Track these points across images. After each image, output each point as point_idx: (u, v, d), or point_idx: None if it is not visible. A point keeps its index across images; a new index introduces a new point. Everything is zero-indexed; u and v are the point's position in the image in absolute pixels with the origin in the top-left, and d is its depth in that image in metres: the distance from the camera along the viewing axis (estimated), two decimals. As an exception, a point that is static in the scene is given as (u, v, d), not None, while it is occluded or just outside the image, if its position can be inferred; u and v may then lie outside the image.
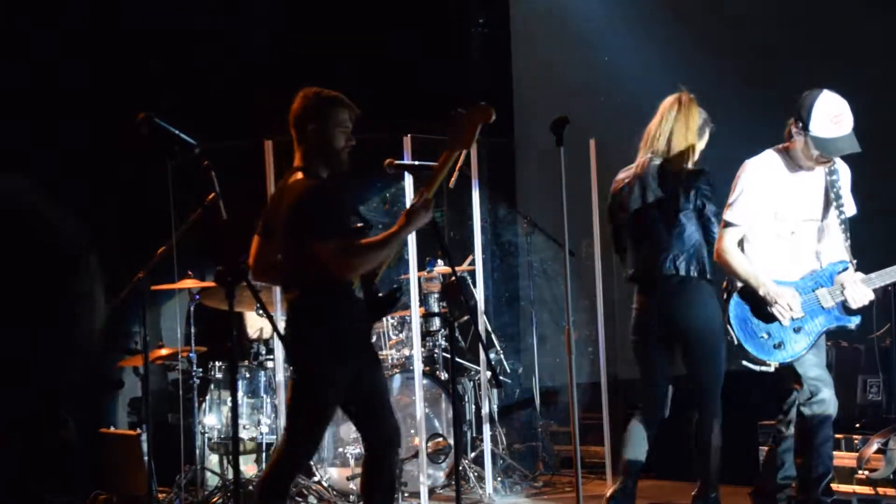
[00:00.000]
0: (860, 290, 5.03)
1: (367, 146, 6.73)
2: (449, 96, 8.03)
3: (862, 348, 5.87)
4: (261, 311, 6.24)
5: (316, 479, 6.71)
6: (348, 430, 6.73)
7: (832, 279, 5.12)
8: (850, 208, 5.18)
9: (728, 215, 5.14)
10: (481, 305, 7.16)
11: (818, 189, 5.17)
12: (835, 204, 5.13)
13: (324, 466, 6.75)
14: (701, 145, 5.35)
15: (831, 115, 4.93)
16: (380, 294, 4.69)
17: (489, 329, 7.59)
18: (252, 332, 7.13)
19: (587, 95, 8.31)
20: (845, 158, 5.16)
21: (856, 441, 5.84)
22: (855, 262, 5.12)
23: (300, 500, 6.61)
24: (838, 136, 4.94)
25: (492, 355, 7.50)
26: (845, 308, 5.10)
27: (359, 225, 4.64)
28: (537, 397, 7.79)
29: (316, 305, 4.53)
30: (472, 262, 7.29)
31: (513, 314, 8.35)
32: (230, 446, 6.38)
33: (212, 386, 6.80)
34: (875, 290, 6.16)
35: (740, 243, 5.18)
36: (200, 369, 6.58)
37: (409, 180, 6.46)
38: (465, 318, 7.10)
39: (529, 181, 8.62)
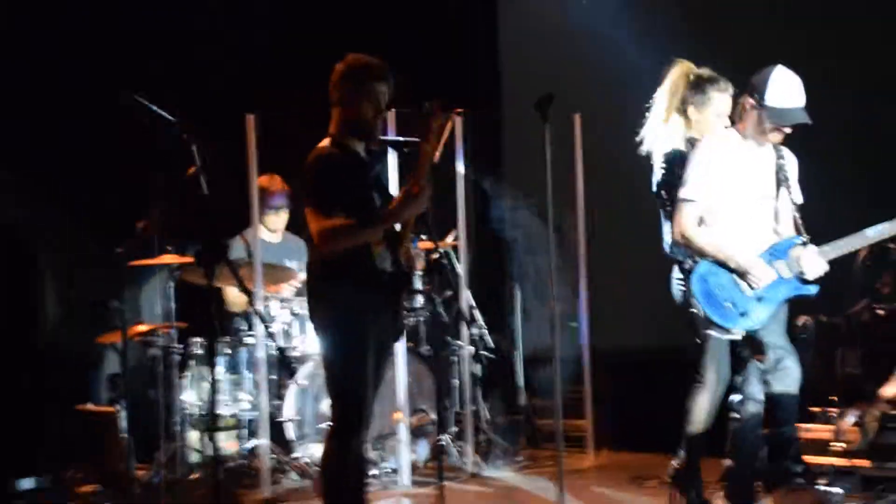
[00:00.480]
0: (815, 261, 5.16)
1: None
2: (435, 67, 8.03)
3: (839, 321, 5.89)
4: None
5: (296, 455, 6.72)
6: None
7: (787, 253, 5.24)
8: (798, 196, 5.32)
9: (684, 192, 5.24)
10: (465, 280, 7.17)
11: (770, 168, 5.32)
12: (785, 184, 5.28)
13: (304, 443, 6.76)
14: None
15: (787, 86, 5.13)
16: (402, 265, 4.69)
17: (472, 304, 7.60)
18: (235, 307, 7.13)
19: (574, 68, 8.30)
20: (792, 149, 5.33)
21: (832, 414, 5.87)
22: (808, 237, 5.25)
23: (280, 476, 6.62)
24: (793, 107, 5.13)
25: (474, 331, 7.51)
26: (802, 280, 5.22)
27: (372, 202, 4.64)
28: (521, 372, 7.81)
29: (330, 272, 4.56)
30: (456, 237, 7.29)
31: (497, 288, 8.35)
32: (210, 422, 6.41)
33: (192, 362, 6.80)
34: (855, 266, 6.22)
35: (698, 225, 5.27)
36: (181, 345, 6.58)
37: (392, 156, 6.44)
38: (449, 293, 7.10)
39: (515, 155, 8.62)
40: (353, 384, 4.56)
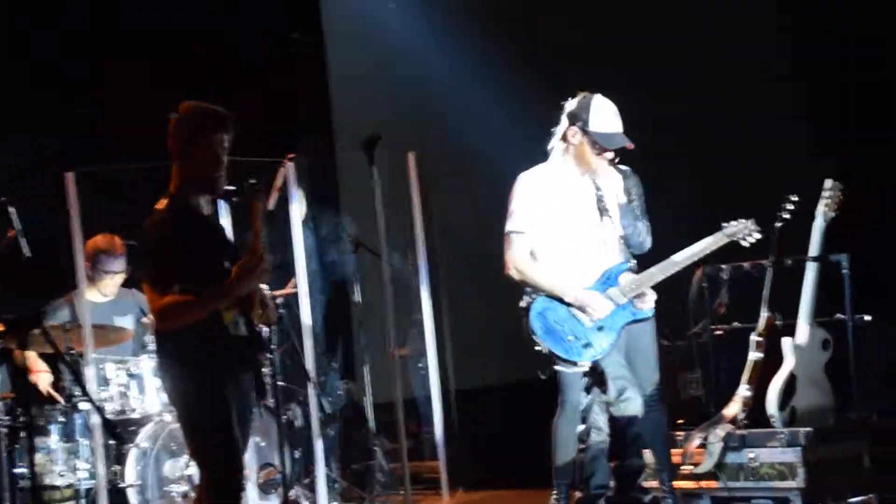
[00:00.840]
0: (642, 285, 5.25)
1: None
2: (265, 113, 7.91)
3: (681, 345, 5.95)
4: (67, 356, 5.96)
5: (141, 520, 6.47)
6: (173, 468, 6.51)
7: (617, 279, 5.29)
8: (635, 217, 5.39)
9: (510, 225, 5.26)
10: (307, 326, 7.03)
11: (591, 196, 5.38)
12: (604, 213, 5.36)
13: (148, 508, 6.51)
14: None
15: (607, 112, 5.26)
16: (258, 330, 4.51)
17: (321, 351, 7.47)
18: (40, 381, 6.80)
19: (408, 108, 8.28)
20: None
21: (678, 437, 5.92)
22: (634, 262, 5.33)
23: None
24: (615, 131, 5.24)
25: (321, 379, 7.37)
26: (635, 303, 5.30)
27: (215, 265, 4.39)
28: (371, 416, 7.69)
29: (181, 344, 4.31)
30: (295, 286, 7.15)
31: (342, 333, 8.23)
32: (43, 495, 6.11)
33: (21, 433, 6.47)
34: (692, 289, 6.32)
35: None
36: (8, 418, 6.25)
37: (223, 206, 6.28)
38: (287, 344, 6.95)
39: (353, 197, 8.53)
40: (222, 453, 4.33)
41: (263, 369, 5.75)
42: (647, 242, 5.45)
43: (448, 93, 8.24)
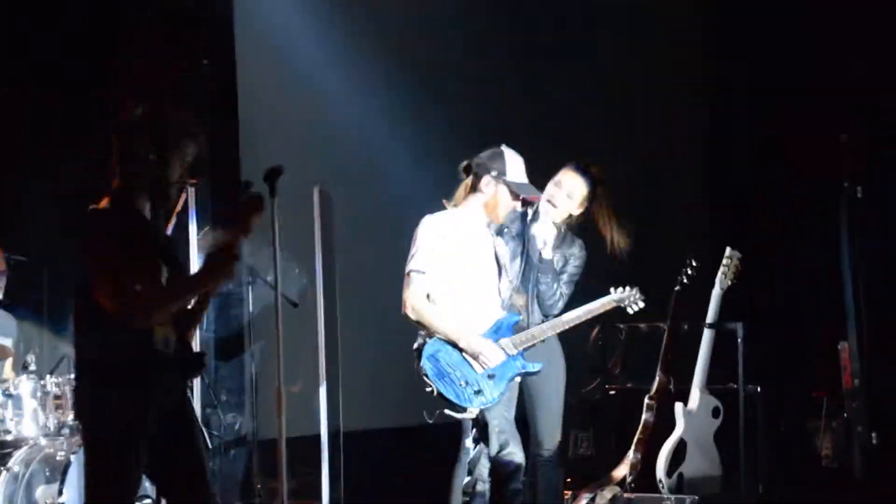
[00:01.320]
0: (533, 339, 5.32)
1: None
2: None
3: (573, 402, 5.93)
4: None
5: (7, 548, 6.22)
6: (44, 494, 6.28)
7: (510, 329, 5.29)
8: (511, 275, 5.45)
9: (411, 264, 5.22)
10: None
11: (488, 246, 5.38)
12: (500, 264, 5.37)
13: (19, 536, 6.26)
14: None
15: (520, 163, 5.32)
16: (194, 350, 4.27)
17: (207, 383, 7.29)
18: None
19: (317, 143, 8.19)
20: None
21: (566, 496, 5.87)
22: (529, 309, 5.42)
23: (-15, 572, 6.10)
24: (526, 182, 5.30)
25: (208, 411, 7.20)
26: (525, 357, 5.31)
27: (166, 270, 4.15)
28: (255, 454, 7.53)
29: (103, 364, 4.06)
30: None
31: (234, 367, 8.07)
32: None
33: None
34: (588, 346, 6.33)
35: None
36: None
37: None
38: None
39: (256, 229, 8.41)
40: (109, 477, 4.16)
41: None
42: (557, 308, 5.51)
43: (358, 131, 8.18)
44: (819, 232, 6.43)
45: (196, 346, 6.77)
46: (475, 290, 5.29)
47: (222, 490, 7.30)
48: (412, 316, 5.20)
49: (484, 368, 5.15)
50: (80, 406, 4.31)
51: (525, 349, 5.29)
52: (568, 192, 5.63)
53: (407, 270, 5.24)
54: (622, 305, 5.49)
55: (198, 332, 6.89)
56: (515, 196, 5.26)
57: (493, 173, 5.25)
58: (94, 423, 4.16)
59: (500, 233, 5.49)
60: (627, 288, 5.44)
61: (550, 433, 5.54)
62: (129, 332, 4.01)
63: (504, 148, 5.33)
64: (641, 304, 5.47)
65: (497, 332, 5.27)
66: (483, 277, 5.32)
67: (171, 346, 4.12)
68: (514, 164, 5.28)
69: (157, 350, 4.07)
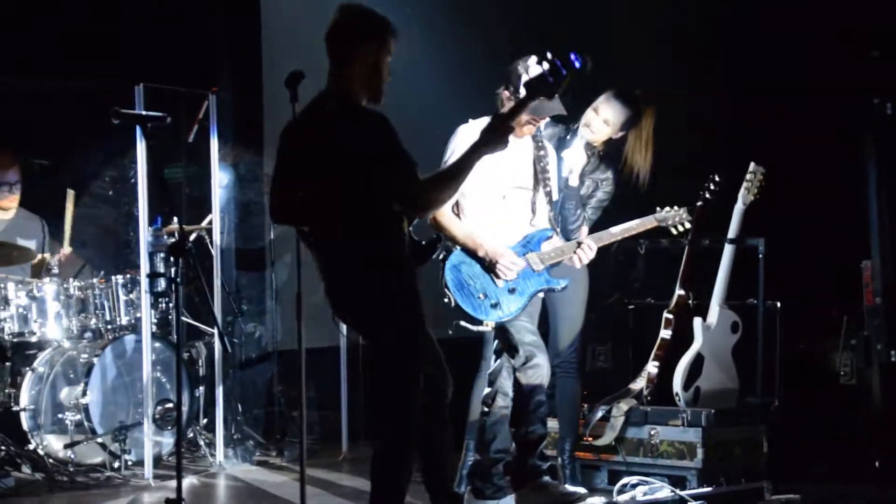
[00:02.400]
0: (562, 255, 5.27)
1: (95, 96, 6.34)
2: (190, 44, 7.72)
3: (592, 317, 5.93)
4: None
5: (31, 446, 6.31)
6: (69, 395, 6.37)
7: (539, 245, 5.26)
8: (556, 191, 5.36)
9: None
10: (218, 267, 6.90)
11: (527, 159, 5.31)
12: (542, 177, 5.29)
13: (40, 433, 6.35)
14: None
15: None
16: (419, 240, 4.40)
17: (228, 291, 7.33)
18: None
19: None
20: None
21: (582, 408, 5.90)
22: (558, 230, 5.30)
23: (9, 469, 6.20)
24: (556, 100, 5.02)
25: (229, 319, 7.26)
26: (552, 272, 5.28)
27: None
28: (275, 361, 7.60)
29: (374, 252, 4.16)
30: (210, 222, 7.01)
31: (254, 276, 8.10)
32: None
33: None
34: (607, 261, 6.30)
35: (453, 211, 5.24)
36: None
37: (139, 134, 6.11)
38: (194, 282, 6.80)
39: (276, 135, 8.38)
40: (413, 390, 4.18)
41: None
42: (575, 235, 5.46)
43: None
44: (845, 148, 6.35)
45: (217, 256, 6.86)
46: (505, 202, 5.25)
47: (243, 397, 7.37)
48: (434, 227, 5.19)
49: (503, 279, 5.14)
50: (364, 313, 4.24)
51: (552, 265, 5.26)
52: (605, 118, 5.55)
53: None
54: (665, 225, 5.48)
55: (218, 241, 6.94)
56: (529, 116, 5.08)
57: (511, 88, 5.17)
58: (392, 323, 4.18)
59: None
60: (675, 208, 5.45)
61: (571, 341, 5.59)
62: (393, 234, 4.19)
63: (527, 61, 5.13)
64: (687, 225, 5.48)
65: (526, 245, 5.24)
66: (514, 190, 5.27)
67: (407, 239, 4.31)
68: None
69: (406, 240, 4.27)
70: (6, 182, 6.81)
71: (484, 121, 5.24)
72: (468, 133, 5.18)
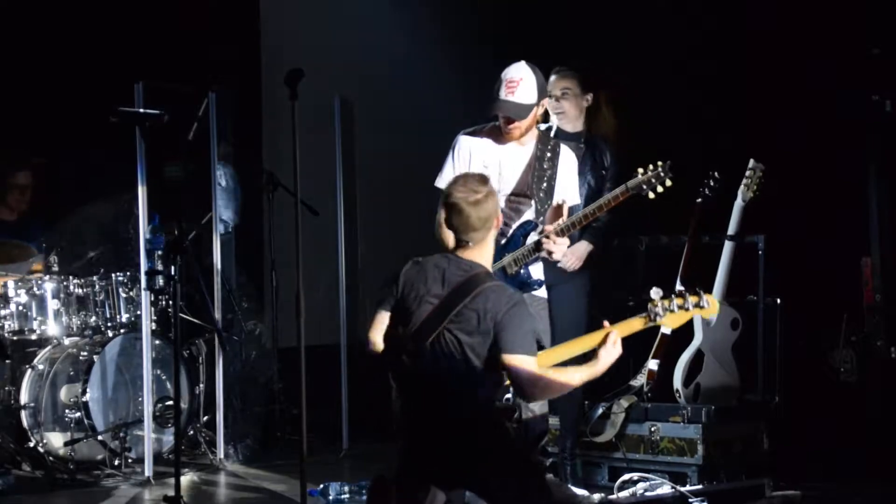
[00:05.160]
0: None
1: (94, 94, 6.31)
2: (188, 43, 7.72)
3: (594, 313, 5.92)
4: None
5: (31, 444, 6.31)
6: (69, 393, 6.37)
7: (520, 241, 5.05)
8: (572, 196, 5.16)
9: (438, 182, 5.18)
10: (218, 264, 6.90)
11: (522, 164, 5.17)
12: (536, 185, 5.12)
13: (41, 431, 6.36)
14: None
15: (508, 79, 5.01)
16: None
17: (228, 289, 7.33)
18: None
19: (340, 52, 8.13)
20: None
21: (584, 404, 5.91)
22: (542, 220, 5.06)
23: (9, 467, 6.20)
24: (506, 99, 4.99)
25: (229, 316, 7.25)
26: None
27: None
28: (276, 359, 7.59)
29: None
30: (210, 220, 7.01)
31: (254, 274, 8.10)
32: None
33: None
34: (608, 259, 6.28)
35: None
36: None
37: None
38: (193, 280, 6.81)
39: (276, 136, 8.38)
40: None
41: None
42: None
43: (383, 40, 8.10)
44: (845, 145, 6.36)
45: (217, 254, 6.86)
46: (507, 208, 5.11)
47: (243, 394, 7.37)
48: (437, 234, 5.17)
49: None
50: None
51: (529, 263, 5.02)
52: (559, 93, 5.71)
53: (436, 184, 5.16)
54: (642, 191, 4.91)
55: (216, 243, 6.93)
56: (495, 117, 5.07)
57: (494, 94, 5.07)
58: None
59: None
60: (650, 167, 4.88)
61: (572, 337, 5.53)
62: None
63: (513, 65, 5.07)
64: (668, 183, 4.85)
65: (505, 247, 5.05)
66: (510, 196, 5.16)
67: None
68: (504, 79, 5.02)
69: None
70: (18, 185, 6.86)
71: (488, 128, 5.21)
72: (465, 139, 5.17)
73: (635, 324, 4.21)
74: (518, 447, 4.20)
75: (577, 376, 4.10)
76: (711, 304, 4.23)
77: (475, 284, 3.99)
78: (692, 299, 4.19)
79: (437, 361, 3.97)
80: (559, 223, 4.91)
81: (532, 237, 5.04)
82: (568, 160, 5.21)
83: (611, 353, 4.12)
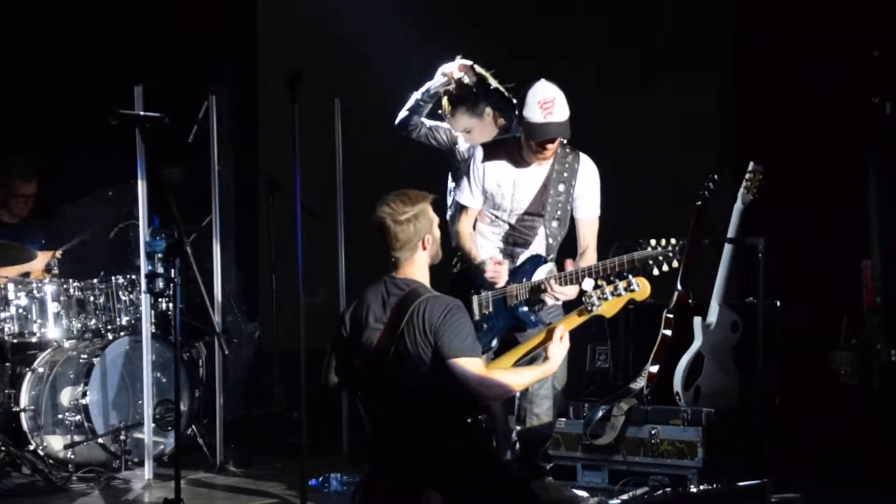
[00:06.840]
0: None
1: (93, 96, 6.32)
2: (189, 42, 7.72)
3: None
4: None
5: (31, 447, 6.31)
6: (69, 396, 6.37)
7: (531, 274, 5.06)
8: (590, 210, 5.20)
9: (457, 196, 5.26)
10: (217, 267, 6.90)
11: (536, 184, 5.19)
12: (546, 205, 5.15)
13: (40, 434, 6.35)
14: None
15: (541, 101, 4.97)
16: None
17: (228, 292, 7.32)
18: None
19: (339, 53, 8.12)
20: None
21: (584, 408, 5.91)
22: (552, 256, 5.14)
23: (9, 470, 6.20)
24: (547, 121, 4.97)
25: (228, 318, 7.25)
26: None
27: None
28: (276, 362, 7.59)
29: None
30: (210, 222, 7.00)
31: (254, 276, 8.10)
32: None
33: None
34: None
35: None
36: None
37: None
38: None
39: (275, 138, 8.38)
40: None
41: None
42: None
43: (383, 40, 8.09)
44: (845, 147, 6.35)
45: (217, 257, 6.85)
46: (512, 225, 5.22)
47: (244, 398, 7.36)
48: (453, 240, 5.23)
49: (496, 285, 5.03)
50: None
51: (529, 298, 5.00)
52: (463, 127, 5.65)
53: (458, 202, 5.25)
54: (647, 266, 4.71)
55: (216, 246, 6.91)
56: (527, 138, 5.04)
57: (517, 112, 5.08)
58: None
59: None
60: (662, 242, 4.72)
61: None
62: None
63: (534, 83, 5.03)
64: (675, 264, 4.70)
65: (514, 274, 5.09)
66: (521, 214, 5.22)
67: None
68: (535, 100, 4.97)
69: None
70: (23, 194, 6.88)
71: (508, 142, 5.22)
72: (482, 153, 5.20)
73: (574, 318, 4.35)
74: (485, 445, 4.20)
75: (527, 375, 4.27)
76: (642, 287, 4.35)
77: (412, 299, 4.10)
78: (622, 284, 4.33)
79: (398, 379, 4.07)
80: (563, 273, 4.94)
81: (539, 273, 5.03)
82: (587, 173, 5.20)
83: (559, 349, 4.25)
